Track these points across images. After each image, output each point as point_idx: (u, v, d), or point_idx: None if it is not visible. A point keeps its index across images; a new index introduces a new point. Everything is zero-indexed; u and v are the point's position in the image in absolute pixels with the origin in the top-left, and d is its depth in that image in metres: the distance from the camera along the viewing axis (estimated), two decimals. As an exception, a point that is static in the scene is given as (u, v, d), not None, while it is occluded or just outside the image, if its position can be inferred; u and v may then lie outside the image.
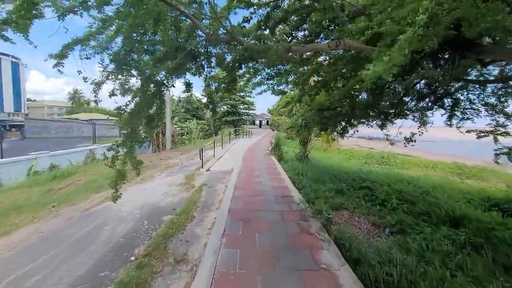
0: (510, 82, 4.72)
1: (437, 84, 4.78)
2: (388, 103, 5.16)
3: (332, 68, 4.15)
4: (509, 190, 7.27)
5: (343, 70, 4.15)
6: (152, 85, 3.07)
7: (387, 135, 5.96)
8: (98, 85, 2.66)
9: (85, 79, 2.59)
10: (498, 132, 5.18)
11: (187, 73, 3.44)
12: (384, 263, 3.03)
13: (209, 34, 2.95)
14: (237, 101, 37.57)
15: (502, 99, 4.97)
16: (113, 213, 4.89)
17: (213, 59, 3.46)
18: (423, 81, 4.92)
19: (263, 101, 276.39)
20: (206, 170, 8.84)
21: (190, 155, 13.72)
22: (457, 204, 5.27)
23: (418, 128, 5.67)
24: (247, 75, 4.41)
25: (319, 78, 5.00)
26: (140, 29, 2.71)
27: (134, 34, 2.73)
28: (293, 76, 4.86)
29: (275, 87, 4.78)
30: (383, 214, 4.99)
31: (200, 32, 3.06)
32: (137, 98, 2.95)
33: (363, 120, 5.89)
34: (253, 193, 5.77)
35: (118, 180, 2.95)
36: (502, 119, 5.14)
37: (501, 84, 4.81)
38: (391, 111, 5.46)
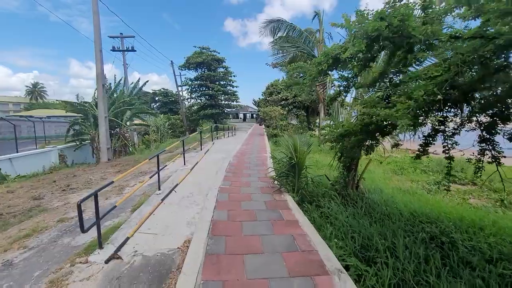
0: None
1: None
2: None
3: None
4: None
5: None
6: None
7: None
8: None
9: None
10: None
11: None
12: None
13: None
14: (217, 91, 31.02)
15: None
16: None
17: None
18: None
19: (247, 92, 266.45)
20: (107, 261, 3.00)
21: (133, 175, 7.74)
22: None
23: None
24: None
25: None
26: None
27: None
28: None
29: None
30: None
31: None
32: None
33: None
34: None
35: None
36: None
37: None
38: None
